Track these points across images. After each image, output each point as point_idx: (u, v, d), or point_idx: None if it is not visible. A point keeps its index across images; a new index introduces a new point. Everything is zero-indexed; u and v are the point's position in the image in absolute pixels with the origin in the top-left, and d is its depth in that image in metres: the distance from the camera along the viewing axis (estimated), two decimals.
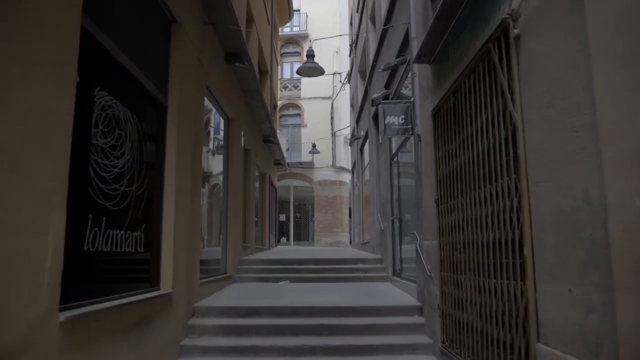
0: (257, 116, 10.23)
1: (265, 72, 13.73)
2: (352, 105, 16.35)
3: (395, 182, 7.40)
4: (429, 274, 4.44)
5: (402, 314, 5.05)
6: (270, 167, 14.56)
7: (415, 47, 5.06)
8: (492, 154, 2.99)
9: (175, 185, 4.41)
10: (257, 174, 12.36)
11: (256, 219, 12.12)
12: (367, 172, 11.73)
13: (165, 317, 4.17)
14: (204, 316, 4.99)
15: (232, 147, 7.92)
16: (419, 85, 5.09)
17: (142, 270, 3.93)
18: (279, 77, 20.50)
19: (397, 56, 6.37)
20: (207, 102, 6.62)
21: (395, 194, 7.45)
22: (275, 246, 16.64)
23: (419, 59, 4.51)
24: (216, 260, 7.22)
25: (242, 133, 8.61)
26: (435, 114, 4.42)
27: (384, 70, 6.37)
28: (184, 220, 4.71)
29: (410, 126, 5.53)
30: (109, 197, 3.21)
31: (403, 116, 5.58)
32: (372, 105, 7.38)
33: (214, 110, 7.09)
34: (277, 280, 7.57)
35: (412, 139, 5.84)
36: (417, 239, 5.02)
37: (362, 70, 12.74)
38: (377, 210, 9.20)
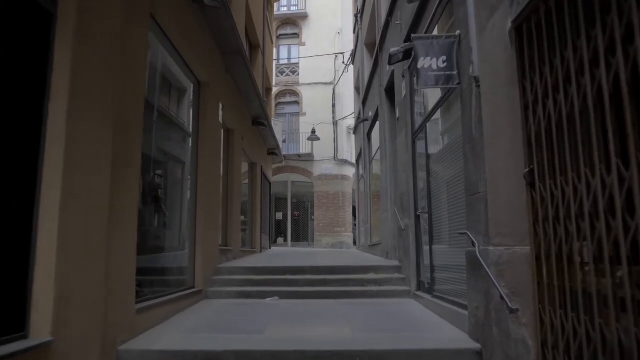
0: (243, 90, 8.32)
1: (257, 47, 11.84)
2: (356, 89, 14.49)
3: (422, 165, 5.51)
4: (509, 305, 2.55)
5: None
6: (263, 156, 12.61)
7: None
8: None
9: (64, 156, 2.52)
10: (246, 164, 10.47)
11: (244, 218, 10.25)
12: (375, 163, 9.85)
13: None
14: None
15: (204, 121, 6.01)
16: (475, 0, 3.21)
17: None
18: (275, 58, 18.49)
19: None
20: (164, 55, 4.75)
21: (421, 182, 5.56)
22: (270, 248, 14.72)
23: None
24: (179, 270, 5.34)
25: (221, 106, 6.72)
26: (520, 27, 2.54)
27: (410, 1, 4.48)
28: (93, 215, 2.83)
29: (456, 72, 3.65)
30: None
31: (445, 57, 3.69)
32: (390, 64, 5.49)
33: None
34: (263, 295, 5.69)
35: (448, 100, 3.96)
36: (473, 243, 3.14)
37: (370, 42, 10.85)
38: (392, 204, 7.30)
